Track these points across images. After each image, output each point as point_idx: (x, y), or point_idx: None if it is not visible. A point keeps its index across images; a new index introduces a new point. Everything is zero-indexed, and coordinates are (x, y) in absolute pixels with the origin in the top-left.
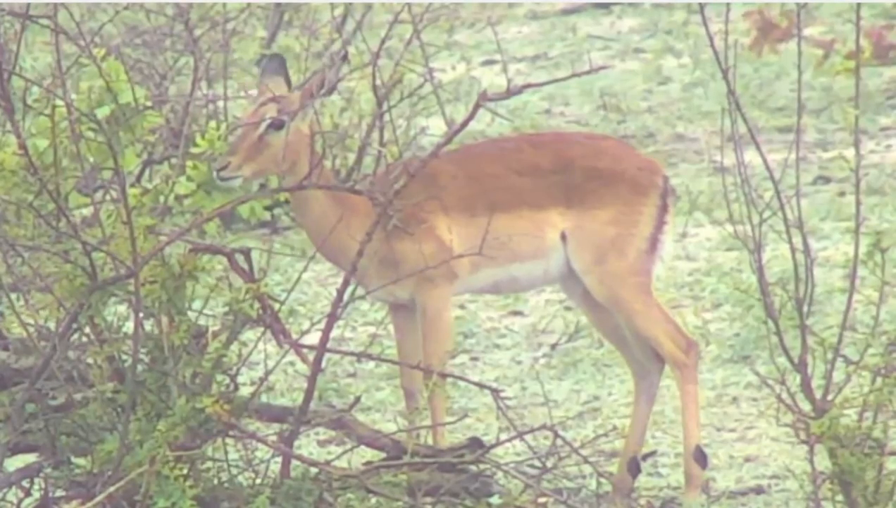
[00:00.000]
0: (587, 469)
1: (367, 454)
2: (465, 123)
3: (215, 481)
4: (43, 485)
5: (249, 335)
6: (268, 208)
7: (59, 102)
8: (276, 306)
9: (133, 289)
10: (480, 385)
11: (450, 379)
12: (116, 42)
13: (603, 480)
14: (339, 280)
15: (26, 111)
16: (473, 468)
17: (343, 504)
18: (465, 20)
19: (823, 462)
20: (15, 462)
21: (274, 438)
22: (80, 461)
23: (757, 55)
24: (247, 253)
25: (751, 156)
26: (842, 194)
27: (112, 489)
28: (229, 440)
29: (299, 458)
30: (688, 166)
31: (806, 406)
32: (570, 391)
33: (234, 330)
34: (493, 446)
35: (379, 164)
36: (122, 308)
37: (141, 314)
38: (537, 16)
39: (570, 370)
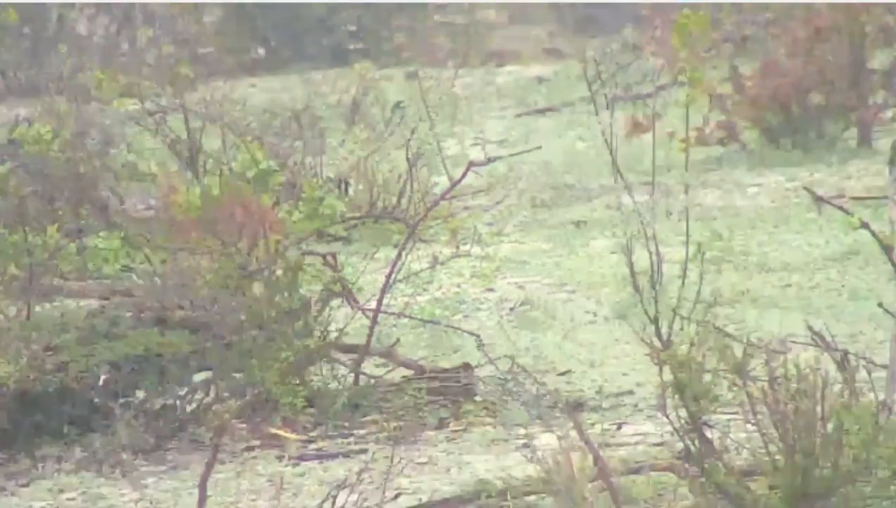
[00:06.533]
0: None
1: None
2: (459, 180)
3: (315, 387)
4: (216, 390)
5: (335, 302)
6: (346, 229)
7: (224, 168)
8: (350, 285)
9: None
10: (469, 333)
11: (452, 327)
12: (258, 132)
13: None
14: (385, 272)
15: (205, 173)
16: (465, 380)
17: (390, 402)
18: (462, 120)
19: (668, 376)
20: (199, 376)
21: (350, 362)
22: (238, 375)
23: (630, 139)
24: (333, 255)
25: (627, 199)
26: (679, 220)
27: (256, 392)
28: (324, 364)
29: (364, 374)
30: (595, 203)
31: (658, 343)
32: (522, 336)
33: (326, 299)
34: (476, 367)
35: (410, 204)
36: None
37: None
38: (504, 117)
39: (523, 324)
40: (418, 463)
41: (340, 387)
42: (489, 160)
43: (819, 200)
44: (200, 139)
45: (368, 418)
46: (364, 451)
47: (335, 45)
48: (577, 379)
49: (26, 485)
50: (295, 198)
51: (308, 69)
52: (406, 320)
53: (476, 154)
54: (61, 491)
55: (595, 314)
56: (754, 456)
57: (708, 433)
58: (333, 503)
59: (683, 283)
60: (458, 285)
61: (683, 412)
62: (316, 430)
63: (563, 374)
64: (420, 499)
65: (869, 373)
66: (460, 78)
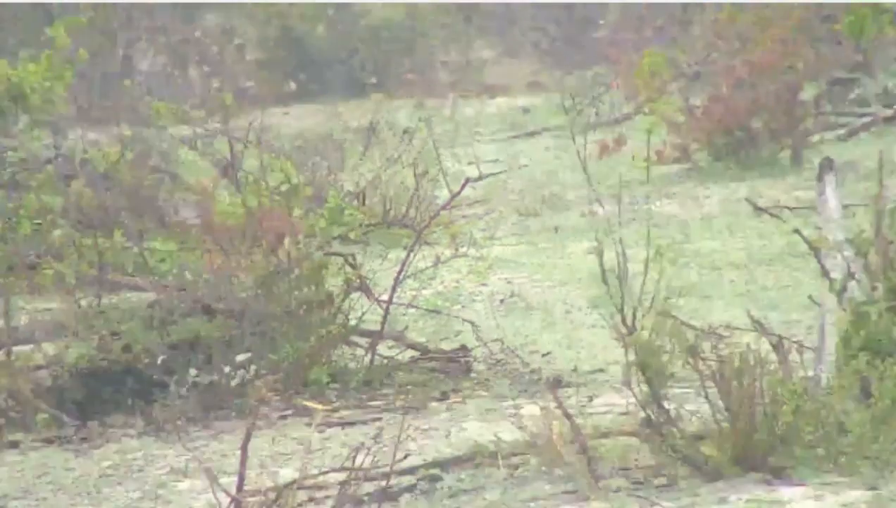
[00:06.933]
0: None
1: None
2: (458, 192)
3: (338, 366)
4: (255, 369)
5: (354, 295)
6: (363, 233)
7: (262, 183)
8: (367, 281)
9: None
10: (466, 321)
11: (452, 315)
12: (290, 152)
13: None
14: (396, 270)
15: (245, 187)
16: (463, 360)
17: (400, 378)
18: (460, 143)
19: (632, 357)
20: (241, 357)
21: (366, 345)
22: (273, 356)
23: (601, 158)
24: (353, 255)
25: (598, 208)
26: (642, 226)
27: (288, 370)
28: (345, 346)
29: (379, 355)
30: (571, 212)
31: (624, 329)
32: (510, 323)
33: (347, 292)
34: (472, 349)
35: (417, 213)
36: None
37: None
38: (495, 140)
39: (511, 313)
40: (423, 430)
41: (359, 366)
42: (481, 177)
43: (758, 209)
44: (240, 159)
45: (382, 391)
46: (378, 419)
47: (355, 80)
48: (557, 359)
49: (97, 448)
50: (321, 208)
51: (332, 100)
52: (413, 309)
53: (472, 171)
54: (126, 453)
55: (572, 305)
56: (704, 423)
57: (666, 405)
58: (353, 462)
59: (645, 279)
60: (457, 281)
61: (645, 387)
62: (338, 401)
63: (545, 355)
64: (425, 460)
65: (800, 354)
66: (459, 107)
